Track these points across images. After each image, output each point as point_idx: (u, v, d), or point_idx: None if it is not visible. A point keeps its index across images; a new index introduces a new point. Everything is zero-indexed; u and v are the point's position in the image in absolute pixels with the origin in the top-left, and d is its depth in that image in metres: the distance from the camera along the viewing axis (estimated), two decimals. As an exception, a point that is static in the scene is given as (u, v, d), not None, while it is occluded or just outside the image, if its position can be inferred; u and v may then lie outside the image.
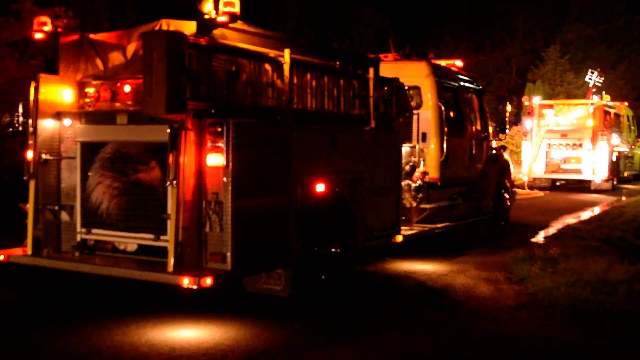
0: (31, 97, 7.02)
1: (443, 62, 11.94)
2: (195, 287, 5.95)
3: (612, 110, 24.46)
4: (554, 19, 44.09)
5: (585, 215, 16.26)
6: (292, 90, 7.12)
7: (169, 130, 6.13)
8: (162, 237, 6.43)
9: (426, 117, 10.43)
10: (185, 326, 6.49)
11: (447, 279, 8.75)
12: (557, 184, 24.14)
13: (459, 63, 12.39)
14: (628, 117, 26.43)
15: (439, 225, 10.33)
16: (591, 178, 22.37)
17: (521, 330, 6.74)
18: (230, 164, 6.18)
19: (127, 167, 6.73)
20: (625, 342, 6.46)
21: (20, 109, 7.63)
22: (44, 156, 7.04)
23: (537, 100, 23.73)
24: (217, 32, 6.49)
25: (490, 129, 12.67)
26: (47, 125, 7.08)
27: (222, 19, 6.27)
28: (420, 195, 9.95)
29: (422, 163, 10.08)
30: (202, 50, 6.31)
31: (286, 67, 7.03)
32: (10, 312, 7.11)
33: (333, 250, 7.64)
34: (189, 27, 6.38)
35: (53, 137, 7.12)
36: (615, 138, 23.44)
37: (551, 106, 23.18)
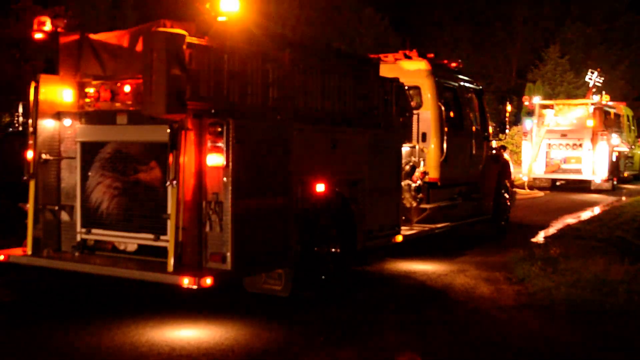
0: (31, 97, 7.02)
1: (443, 62, 11.94)
2: (195, 287, 5.95)
3: (612, 110, 24.44)
4: (554, 19, 44.12)
5: (585, 215, 16.25)
6: (292, 90, 7.12)
7: (169, 130, 6.13)
8: (162, 237, 6.43)
9: (426, 117, 10.43)
10: (185, 326, 6.49)
11: (447, 279, 8.75)
12: (557, 184, 24.12)
13: (459, 63, 12.38)
14: (628, 117, 26.41)
15: (439, 225, 10.33)
16: (591, 178, 22.34)
17: (521, 330, 6.74)
18: (230, 164, 6.18)
19: (127, 167, 6.74)
20: (625, 342, 6.46)
21: (20, 109, 7.63)
22: (44, 156, 7.04)
23: (537, 100, 23.69)
24: (217, 32, 6.49)
25: (490, 129, 12.67)
26: (47, 125, 7.07)
27: (222, 19, 6.27)
28: (420, 195, 9.95)
29: (422, 163, 10.09)
30: (202, 50, 6.31)
31: (286, 67, 7.02)
32: (10, 312, 7.11)
33: (333, 250, 7.64)
34: (189, 27, 6.38)
35: (53, 137, 7.11)
36: (615, 138, 23.41)
37: (551, 106, 23.14)
